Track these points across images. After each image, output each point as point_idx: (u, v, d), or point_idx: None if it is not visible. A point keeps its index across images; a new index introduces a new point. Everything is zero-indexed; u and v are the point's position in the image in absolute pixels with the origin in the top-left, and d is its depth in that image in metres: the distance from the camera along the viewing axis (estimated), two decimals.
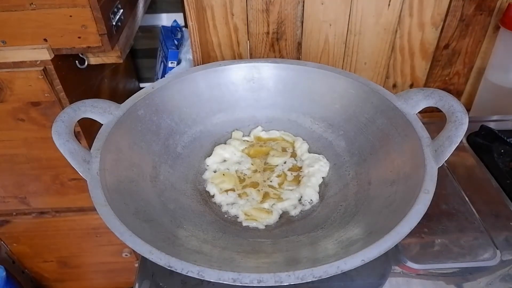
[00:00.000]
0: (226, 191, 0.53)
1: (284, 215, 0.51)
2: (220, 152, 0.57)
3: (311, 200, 0.52)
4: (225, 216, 0.51)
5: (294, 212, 0.51)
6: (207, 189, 0.53)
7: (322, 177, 0.54)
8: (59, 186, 0.72)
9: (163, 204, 0.49)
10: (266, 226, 0.49)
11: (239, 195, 0.52)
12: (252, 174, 0.55)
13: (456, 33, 0.74)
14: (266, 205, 0.51)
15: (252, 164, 0.56)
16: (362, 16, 0.72)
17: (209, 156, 0.57)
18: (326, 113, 0.59)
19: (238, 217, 0.50)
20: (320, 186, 0.54)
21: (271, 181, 0.54)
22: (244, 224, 0.49)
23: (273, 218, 0.50)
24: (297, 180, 0.54)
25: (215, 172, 0.55)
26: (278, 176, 0.55)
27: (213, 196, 0.53)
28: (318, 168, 0.55)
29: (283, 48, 0.77)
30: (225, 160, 0.57)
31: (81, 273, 0.98)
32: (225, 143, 0.59)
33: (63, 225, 0.81)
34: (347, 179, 0.53)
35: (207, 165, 0.56)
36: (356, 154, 0.54)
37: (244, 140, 0.60)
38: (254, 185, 0.54)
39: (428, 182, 0.41)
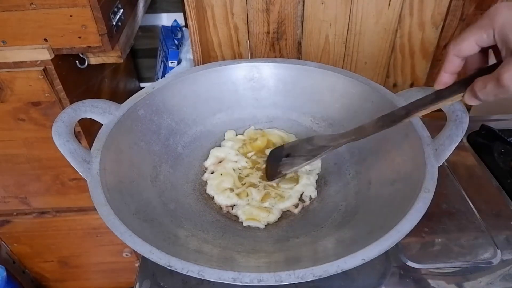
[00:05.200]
0: (225, 190, 0.52)
1: (284, 214, 0.51)
2: (216, 154, 0.57)
3: (310, 196, 0.52)
4: (226, 215, 0.51)
5: (295, 210, 0.51)
6: (207, 191, 0.53)
7: (317, 174, 0.55)
8: (59, 186, 0.72)
9: (163, 204, 0.49)
10: (266, 225, 0.49)
11: (239, 195, 0.52)
12: (250, 171, 0.55)
13: (457, 32, 0.74)
14: (266, 204, 0.51)
15: (246, 163, 0.56)
16: (362, 16, 0.71)
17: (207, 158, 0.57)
18: (327, 112, 0.59)
19: (238, 217, 0.50)
20: (319, 184, 0.54)
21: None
22: (245, 224, 0.49)
23: (273, 217, 0.49)
24: (295, 179, 0.54)
25: (212, 173, 0.55)
26: None
27: (213, 198, 0.52)
28: (312, 167, 0.55)
29: (283, 48, 0.76)
30: (221, 161, 0.57)
31: (81, 273, 0.98)
32: (220, 146, 0.59)
33: (63, 225, 0.81)
34: (347, 179, 0.53)
35: (205, 167, 0.57)
36: (357, 154, 0.54)
37: (238, 139, 0.59)
38: (253, 184, 0.54)
39: (429, 181, 0.41)
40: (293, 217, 0.50)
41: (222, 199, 0.52)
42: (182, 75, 0.58)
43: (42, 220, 0.80)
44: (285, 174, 0.51)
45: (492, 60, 0.35)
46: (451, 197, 0.55)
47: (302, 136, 0.60)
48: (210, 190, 0.53)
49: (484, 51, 0.34)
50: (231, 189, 0.53)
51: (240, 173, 0.55)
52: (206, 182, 0.55)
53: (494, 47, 0.32)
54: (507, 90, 0.29)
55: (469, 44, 0.33)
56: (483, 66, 0.35)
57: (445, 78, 0.36)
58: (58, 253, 0.90)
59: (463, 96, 0.34)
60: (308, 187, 0.52)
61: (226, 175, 0.54)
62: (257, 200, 0.51)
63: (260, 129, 0.61)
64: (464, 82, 0.34)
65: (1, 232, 0.83)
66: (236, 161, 0.56)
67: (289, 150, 0.50)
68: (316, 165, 0.56)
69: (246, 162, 0.56)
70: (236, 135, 0.60)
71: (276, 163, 0.51)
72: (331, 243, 0.43)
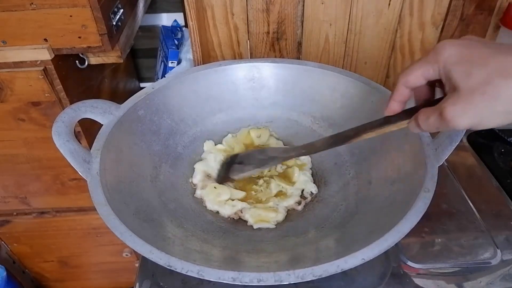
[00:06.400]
0: (228, 201, 0.51)
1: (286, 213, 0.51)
2: (202, 169, 0.55)
3: (311, 192, 0.52)
4: (235, 219, 0.51)
5: (298, 207, 0.51)
6: (208, 208, 0.51)
7: (310, 168, 0.55)
8: (59, 186, 0.72)
9: (163, 204, 0.49)
10: (276, 225, 0.49)
11: (243, 199, 0.52)
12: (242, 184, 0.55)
13: (457, 32, 0.74)
14: (271, 203, 0.51)
15: None
16: (362, 16, 0.71)
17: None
18: (327, 112, 0.59)
19: (247, 221, 0.50)
20: (320, 185, 0.54)
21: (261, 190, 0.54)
22: (255, 227, 0.49)
23: (281, 216, 0.50)
24: (289, 180, 0.54)
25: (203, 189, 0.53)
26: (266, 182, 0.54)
27: (218, 213, 0.51)
28: (302, 162, 0.56)
29: (283, 48, 0.76)
30: (208, 175, 0.55)
31: (81, 273, 0.98)
32: (201, 159, 0.57)
33: (63, 225, 0.81)
34: (347, 179, 0.53)
35: (195, 184, 0.54)
36: (357, 154, 0.54)
37: (218, 149, 0.58)
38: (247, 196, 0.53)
39: (429, 181, 0.41)
40: (293, 217, 0.50)
41: (228, 210, 0.50)
42: (182, 75, 0.58)
43: (42, 220, 0.79)
44: (233, 180, 0.53)
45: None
46: (451, 197, 0.55)
47: (305, 136, 0.60)
48: (211, 205, 0.51)
49: (431, 84, 0.35)
50: (232, 199, 0.52)
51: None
52: (202, 199, 0.53)
53: (440, 82, 0.33)
54: (448, 123, 0.30)
55: (416, 77, 0.34)
56: (430, 98, 0.36)
57: (394, 106, 0.37)
58: (58, 253, 0.90)
59: (408, 124, 0.36)
60: (307, 184, 0.53)
61: (221, 187, 0.52)
62: (262, 201, 0.51)
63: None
64: (410, 111, 0.36)
65: (1, 232, 0.83)
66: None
67: (242, 158, 0.52)
68: (306, 159, 0.56)
69: None
70: (215, 144, 0.59)
71: (228, 168, 0.52)
72: (331, 242, 0.43)
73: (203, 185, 0.53)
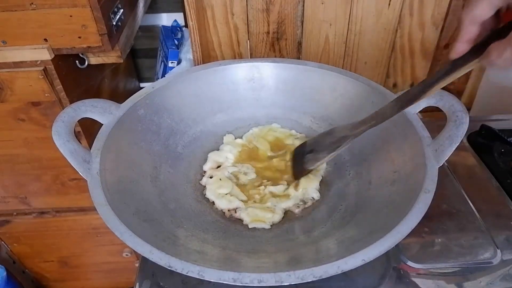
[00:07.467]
0: (226, 195, 0.52)
1: (285, 214, 0.51)
2: (215, 158, 0.56)
3: (312, 197, 0.52)
4: (226, 216, 0.51)
5: (296, 210, 0.51)
6: (206, 195, 0.52)
7: (321, 175, 0.55)
8: (59, 186, 0.72)
9: (163, 204, 0.49)
10: (271, 225, 0.49)
11: (243, 199, 0.52)
12: (250, 181, 0.55)
13: (457, 32, 0.74)
14: (269, 204, 0.51)
15: (248, 170, 0.55)
16: (362, 16, 0.71)
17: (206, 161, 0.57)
18: (327, 112, 0.59)
19: (243, 220, 0.49)
20: (320, 185, 0.54)
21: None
22: (251, 226, 0.49)
23: (277, 217, 0.49)
24: (295, 185, 0.54)
25: (211, 177, 0.54)
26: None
27: (213, 203, 0.52)
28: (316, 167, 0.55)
29: (283, 48, 0.76)
30: (220, 165, 0.56)
31: (81, 273, 0.98)
32: (218, 149, 0.58)
33: (63, 225, 0.81)
34: (347, 179, 0.53)
35: (204, 171, 0.56)
36: (357, 154, 0.54)
37: (237, 143, 0.59)
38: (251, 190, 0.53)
39: (429, 181, 0.41)
40: (293, 217, 0.50)
41: (224, 203, 0.51)
42: (182, 75, 0.58)
43: (42, 220, 0.79)
44: (311, 170, 0.51)
45: None
46: (451, 197, 0.55)
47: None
48: (210, 195, 0.52)
49: (496, 12, 0.32)
50: (231, 194, 0.52)
51: (240, 181, 0.54)
52: (205, 186, 0.54)
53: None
54: None
55: (483, 9, 0.31)
56: (496, 27, 0.33)
57: (462, 47, 0.34)
58: (58, 253, 0.90)
59: (478, 62, 0.33)
60: (310, 189, 0.52)
61: (225, 180, 0.53)
62: (259, 201, 0.51)
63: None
64: (478, 47, 0.33)
65: (1, 232, 0.83)
66: (235, 167, 0.55)
67: (311, 146, 0.51)
68: (320, 166, 0.55)
69: (248, 170, 0.55)
70: (235, 138, 0.60)
71: (301, 160, 0.51)
72: (331, 243, 0.43)
73: (211, 173, 0.55)
